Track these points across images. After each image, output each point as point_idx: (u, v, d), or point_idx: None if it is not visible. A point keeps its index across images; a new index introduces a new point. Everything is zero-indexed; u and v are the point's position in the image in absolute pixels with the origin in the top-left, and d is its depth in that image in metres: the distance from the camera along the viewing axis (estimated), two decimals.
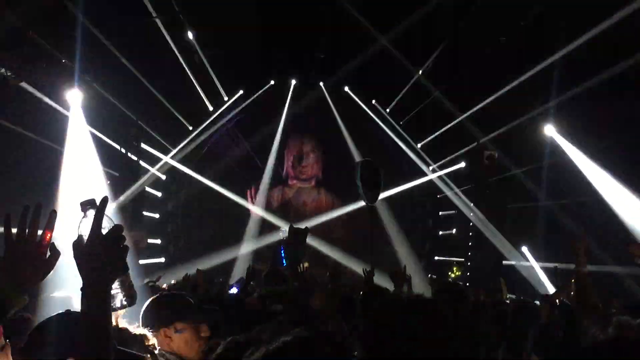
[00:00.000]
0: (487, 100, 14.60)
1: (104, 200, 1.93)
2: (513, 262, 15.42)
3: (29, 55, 10.82)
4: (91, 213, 1.97)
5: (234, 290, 8.18)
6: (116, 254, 1.91)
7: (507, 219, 15.87)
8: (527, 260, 15.15)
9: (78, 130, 12.43)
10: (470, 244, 16.69)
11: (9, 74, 10.38)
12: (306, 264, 15.45)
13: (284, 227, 9.76)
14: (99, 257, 1.87)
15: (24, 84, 10.71)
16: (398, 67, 15.52)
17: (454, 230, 18.25)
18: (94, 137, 13.29)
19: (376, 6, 13.54)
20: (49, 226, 2.07)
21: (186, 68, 15.29)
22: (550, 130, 14.12)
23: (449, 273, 17.87)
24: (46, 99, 11.45)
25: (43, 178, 11.05)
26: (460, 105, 15.72)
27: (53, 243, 2.03)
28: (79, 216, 2.01)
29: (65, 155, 11.87)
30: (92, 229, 1.89)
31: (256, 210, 18.82)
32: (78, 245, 1.92)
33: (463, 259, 17.20)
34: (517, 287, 13.82)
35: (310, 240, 15.96)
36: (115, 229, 1.91)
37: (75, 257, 1.91)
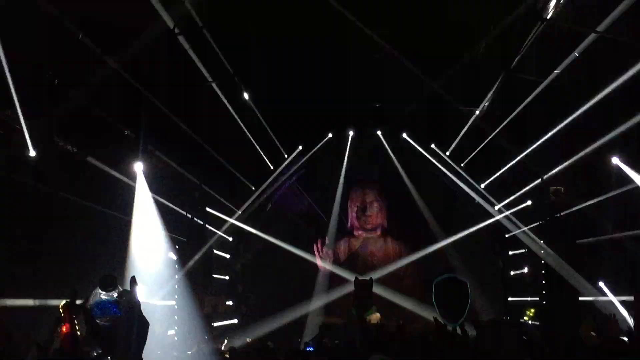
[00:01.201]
0: (549, 135, 14.38)
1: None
2: (591, 298, 14.94)
3: (93, 129, 11.18)
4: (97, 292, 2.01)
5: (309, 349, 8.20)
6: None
7: (579, 254, 15.45)
8: (606, 295, 14.67)
9: (144, 199, 12.71)
10: (543, 282, 16.24)
11: (74, 149, 10.73)
12: (378, 315, 15.26)
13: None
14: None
15: (89, 158, 11.04)
16: (454, 110, 15.49)
17: (525, 270, 17.79)
18: (161, 204, 13.56)
19: (426, 51, 13.61)
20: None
21: (244, 129, 15.54)
22: (617, 161, 13.85)
23: (526, 312, 17.41)
24: (112, 172, 11.76)
25: (113, 250, 11.30)
26: (521, 142, 15.51)
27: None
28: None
29: (134, 225, 12.13)
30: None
31: (324, 264, 18.78)
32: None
33: (538, 299, 16.72)
34: (598, 324, 13.37)
35: (381, 291, 15.89)
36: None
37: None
